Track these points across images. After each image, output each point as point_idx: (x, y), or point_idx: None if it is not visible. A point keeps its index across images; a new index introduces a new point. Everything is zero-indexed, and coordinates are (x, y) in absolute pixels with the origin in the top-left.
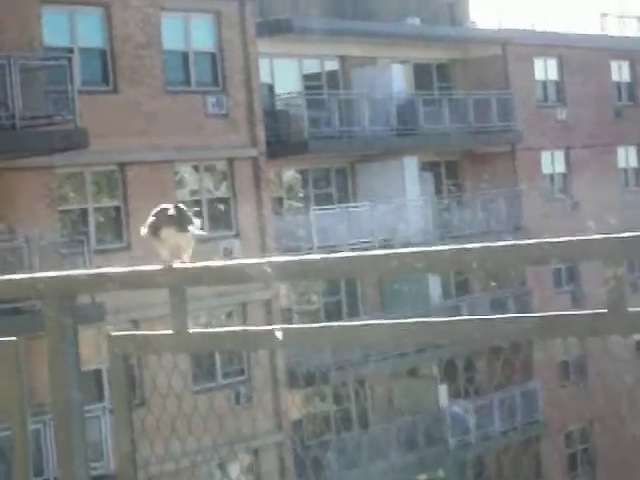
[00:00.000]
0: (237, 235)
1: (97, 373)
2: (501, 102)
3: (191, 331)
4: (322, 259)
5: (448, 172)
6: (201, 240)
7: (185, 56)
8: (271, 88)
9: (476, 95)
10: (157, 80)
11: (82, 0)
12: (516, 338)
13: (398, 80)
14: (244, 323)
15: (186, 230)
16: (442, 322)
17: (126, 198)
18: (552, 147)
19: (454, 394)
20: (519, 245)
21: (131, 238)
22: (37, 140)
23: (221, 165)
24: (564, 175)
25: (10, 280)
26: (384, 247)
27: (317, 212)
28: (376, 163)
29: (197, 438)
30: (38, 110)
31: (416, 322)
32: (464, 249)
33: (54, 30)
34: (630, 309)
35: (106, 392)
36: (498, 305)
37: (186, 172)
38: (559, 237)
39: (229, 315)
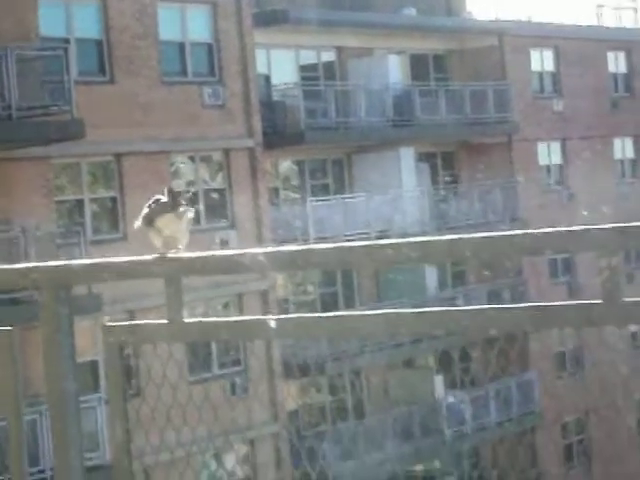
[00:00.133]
0: (233, 226)
1: (93, 364)
2: (497, 93)
3: (186, 320)
4: (316, 249)
5: (444, 163)
6: (197, 230)
7: (182, 47)
8: (268, 79)
9: (472, 86)
10: (153, 71)
11: None
12: (511, 328)
13: (394, 71)
14: (240, 314)
15: (182, 216)
16: (437, 312)
17: (122, 189)
18: (548, 138)
19: (450, 385)
20: (513, 235)
21: (127, 229)
22: (33, 130)
23: (217, 156)
24: (560, 166)
25: (5, 270)
26: (380, 238)
27: (313, 203)
28: (372, 154)
29: (193, 428)
30: (34, 100)
31: (411, 312)
32: (459, 239)
33: (50, 20)
34: (625, 299)
35: (102, 383)
36: (494, 296)
37: (182, 163)
38: (555, 228)
39: (225, 306)
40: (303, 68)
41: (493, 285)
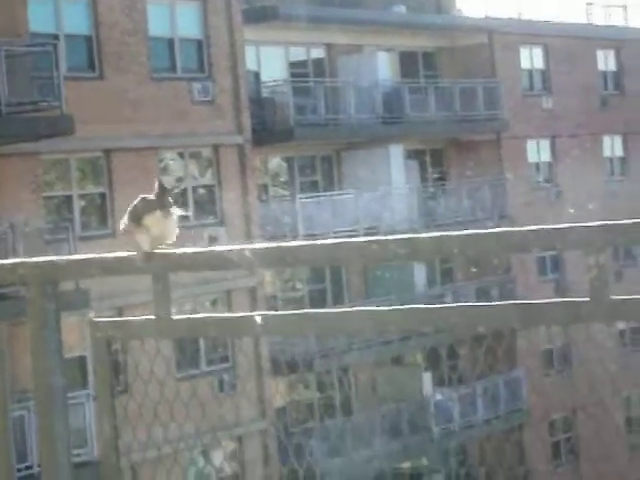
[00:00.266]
0: (222, 222)
1: (81, 360)
2: (487, 90)
3: (174, 317)
4: (304, 246)
5: (433, 160)
6: (186, 227)
7: (171, 43)
8: (257, 75)
9: (462, 83)
10: (143, 67)
11: None
12: (499, 326)
13: (384, 68)
14: (229, 310)
15: (170, 215)
16: (425, 309)
17: (111, 185)
18: (538, 136)
19: (438, 382)
20: (500, 232)
21: (116, 225)
22: (23, 126)
23: (206, 152)
24: (549, 164)
25: None
26: (369, 235)
27: (302, 200)
28: (362, 151)
29: (181, 425)
30: (24, 96)
31: (398, 309)
32: (445, 236)
33: (40, 16)
34: (613, 297)
35: (90, 379)
36: (483, 293)
37: (171, 159)
38: (542, 225)
39: (214, 302)
40: (292, 65)
41: (481, 283)
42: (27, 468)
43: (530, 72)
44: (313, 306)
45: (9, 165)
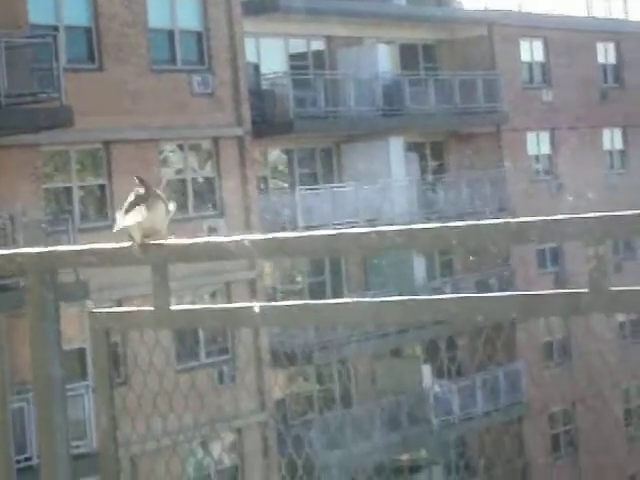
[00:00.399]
0: (222, 214)
1: (81, 351)
2: (487, 83)
3: (172, 307)
4: (303, 236)
5: (433, 153)
6: (186, 219)
7: (171, 34)
8: (257, 68)
9: (462, 76)
10: (143, 58)
11: None
12: (498, 317)
13: (384, 60)
14: (228, 302)
15: (154, 206)
16: (424, 300)
17: (111, 176)
18: (537, 128)
19: (437, 374)
20: (498, 223)
21: (115, 217)
22: (22, 118)
23: (206, 144)
24: (549, 156)
25: None
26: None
27: (302, 192)
28: (361, 143)
29: (180, 417)
30: (23, 88)
31: (397, 300)
32: (444, 226)
33: (39, 8)
34: (612, 288)
35: (90, 370)
36: (482, 286)
37: (171, 151)
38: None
39: (213, 294)
40: (292, 57)
41: (481, 275)
42: (26, 460)
43: (530, 65)
44: (312, 299)
45: (9, 157)
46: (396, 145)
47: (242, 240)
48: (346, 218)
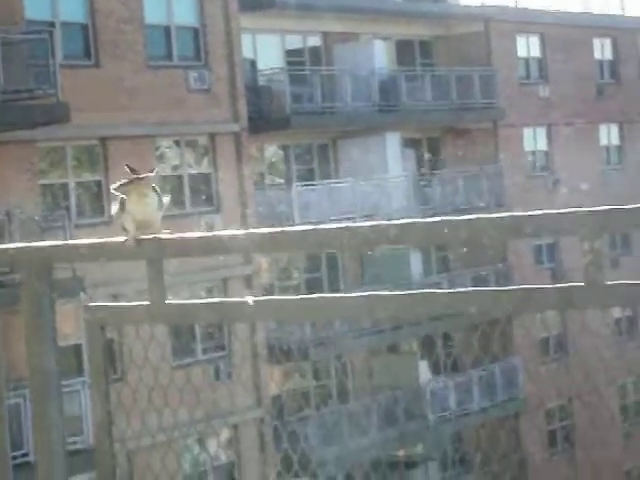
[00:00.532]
0: (218, 210)
1: (77, 347)
2: (483, 79)
3: (167, 302)
4: (296, 231)
5: (430, 148)
6: (182, 215)
7: (167, 31)
8: (253, 64)
9: (458, 72)
10: (139, 55)
11: None
12: (495, 311)
13: (380, 56)
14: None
15: (146, 197)
16: (418, 295)
17: (107, 173)
18: (534, 124)
19: (434, 370)
20: (494, 217)
21: (112, 213)
22: (19, 114)
23: (203, 140)
24: (546, 152)
25: None
26: None
27: (299, 188)
28: (358, 139)
29: (177, 413)
30: (20, 84)
31: (391, 295)
32: (438, 220)
33: (36, 4)
34: (607, 282)
35: (86, 367)
36: (479, 282)
37: (167, 147)
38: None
39: (210, 290)
40: (289, 53)
41: (478, 271)
42: (23, 455)
43: (527, 60)
44: (309, 295)
45: (5, 153)
46: (393, 141)
47: (237, 234)
48: (343, 214)
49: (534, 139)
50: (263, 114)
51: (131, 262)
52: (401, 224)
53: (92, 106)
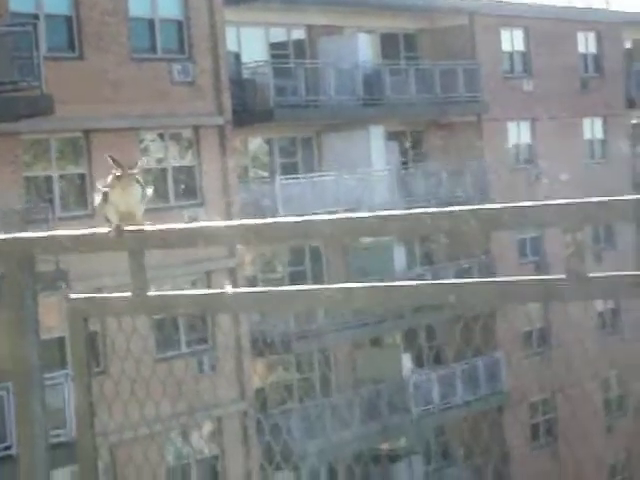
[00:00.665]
0: (202, 204)
1: (61, 340)
2: (467, 72)
3: (149, 293)
4: (277, 222)
5: (414, 142)
6: (166, 208)
7: (151, 23)
8: (238, 57)
9: (442, 65)
10: (123, 47)
11: None
12: (477, 303)
13: (364, 49)
14: None
15: (130, 188)
16: (396, 286)
17: (91, 165)
18: (518, 118)
19: (417, 363)
20: (477, 208)
21: (95, 204)
22: (2, 106)
23: (187, 133)
24: (529, 146)
25: None
26: None
27: (282, 181)
28: (342, 132)
29: (160, 406)
30: (4, 76)
31: (370, 286)
32: (419, 212)
33: None
34: (589, 274)
35: (69, 359)
36: (463, 275)
37: (151, 140)
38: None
39: (193, 283)
40: (273, 46)
41: (461, 264)
42: (6, 449)
43: (511, 54)
44: None
45: None
46: (376, 134)
47: (219, 226)
48: (326, 207)
49: (518, 133)
50: (247, 107)
51: (116, 255)
52: (383, 215)
53: (76, 98)
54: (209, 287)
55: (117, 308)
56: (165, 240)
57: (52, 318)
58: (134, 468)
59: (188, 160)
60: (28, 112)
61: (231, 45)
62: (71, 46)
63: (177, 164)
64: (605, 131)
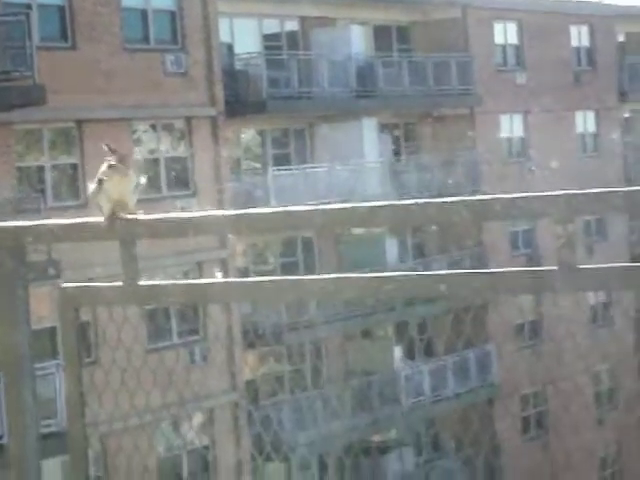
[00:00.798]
0: (194, 194)
1: (52, 330)
2: (460, 65)
3: (140, 283)
4: (268, 212)
5: (406, 134)
6: (158, 198)
7: (144, 14)
8: (230, 48)
9: (435, 58)
10: (116, 37)
11: None
12: (469, 294)
13: (357, 41)
14: None
15: (124, 176)
16: (394, 277)
17: (83, 155)
18: (511, 111)
19: (409, 355)
20: (468, 199)
21: (88, 192)
22: None
23: (179, 124)
24: (522, 139)
25: None
26: None
27: (275, 172)
28: (335, 124)
29: (151, 397)
30: None
31: (359, 277)
32: (410, 203)
33: None
34: (580, 266)
35: (60, 349)
36: (455, 267)
37: (144, 130)
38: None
39: (185, 274)
40: (266, 37)
41: (453, 257)
42: None
43: (504, 47)
44: None
45: None
46: (369, 126)
47: (211, 215)
48: (319, 198)
49: (511, 125)
50: (240, 98)
51: (108, 245)
52: (373, 205)
53: (69, 88)
54: (201, 278)
55: (108, 297)
56: (157, 230)
57: (43, 308)
58: (125, 458)
59: (180, 151)
60: (20, 102)
61: (224, 36)
62: (64, 36)
63: (169, 155)
64: (597, 124)
